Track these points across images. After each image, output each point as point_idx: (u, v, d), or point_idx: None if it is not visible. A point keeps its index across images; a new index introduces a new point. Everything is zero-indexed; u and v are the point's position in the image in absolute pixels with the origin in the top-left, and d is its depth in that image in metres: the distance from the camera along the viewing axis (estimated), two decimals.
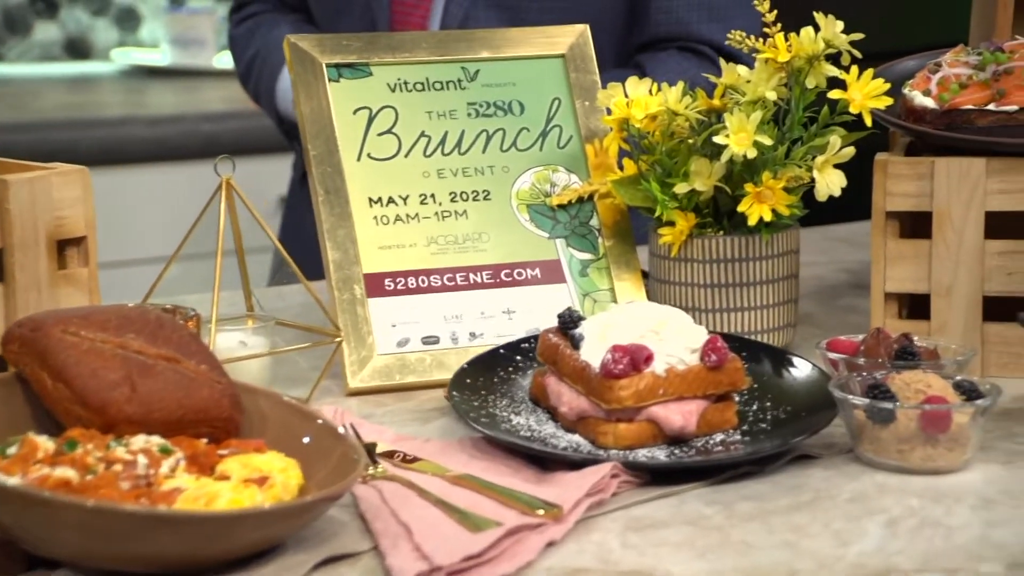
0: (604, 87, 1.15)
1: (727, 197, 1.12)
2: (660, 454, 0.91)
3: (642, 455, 0.90)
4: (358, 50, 1.15)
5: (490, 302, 1.13)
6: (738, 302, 1.13)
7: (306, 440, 0.79)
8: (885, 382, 0.89)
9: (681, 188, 1.12)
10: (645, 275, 1.19)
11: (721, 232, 1.13)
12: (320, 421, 0.80)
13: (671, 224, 1.13)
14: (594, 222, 1.19)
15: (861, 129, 1.09)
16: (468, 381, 0.99)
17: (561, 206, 1.18)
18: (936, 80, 1.05)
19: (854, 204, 1.26)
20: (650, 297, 1.18)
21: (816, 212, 1.15)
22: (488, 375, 1.00)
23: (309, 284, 0.99)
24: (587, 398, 0.93)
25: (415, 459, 0.88)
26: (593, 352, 0.93)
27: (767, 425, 0.94)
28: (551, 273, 1.16)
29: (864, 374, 0.92)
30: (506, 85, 1.20)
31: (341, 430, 0.79)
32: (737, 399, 0.98)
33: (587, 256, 1.17)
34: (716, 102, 1.15)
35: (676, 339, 0.93)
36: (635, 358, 0.91)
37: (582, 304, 1.15)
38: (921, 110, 1.06)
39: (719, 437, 0.93)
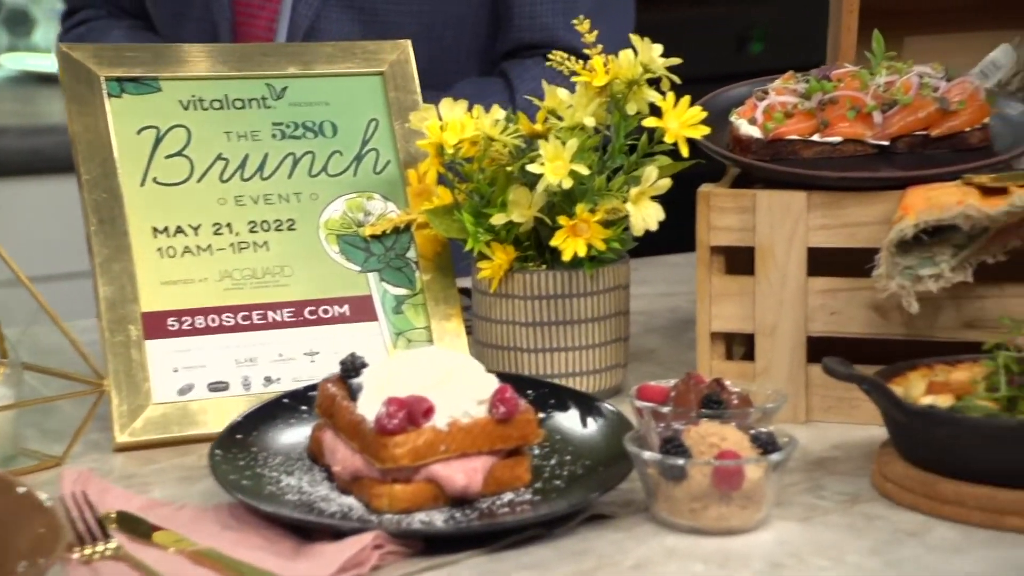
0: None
1: (548, 229, 1.04)
2: (438, 518, 0.82)
3: (419, 519, 0.82)
4: (144, 63, 1.05)
5: (290, 343, 1.03)
6: (563, 341, 1.05)
7: (1, 516, 0.69)
8: (680, 435, 0.81)
9: (498, 219, 1.04)
10: (465, 291, 1.11)
11: (544, 266, 1.05)
12: (21, 490, 0.70)
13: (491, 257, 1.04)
14: (411, 254, 1.10)
15: (689, 157, 1.02)
16: (239, 436, 0.89)
17: (375, 237, 1.09)
18: (762, 108, 0.98)
19: None
20: (473, 335, 1.10)
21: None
22: (264, 428, 0.91)
23: (63, 325, 0.89)
24: (362, 456, 0.84)
25: (157, 529, 0.79)
26: (371, 404, 0.84)
27: (562, 482, 0.86)
28: (361, 310, 1.07)
29: (664, 425, 0.85)
30: (317, 104, 1.11)
31: (48, 501, 0.70)
32: (537, 452, 0.90)
33: (402, 291, 1.09)
34: (538, 127, 1.06)
35: (462, 389, 0.85)
36: (413, 411, 0.83)
37: (395, 344, 1.07)
38: (747, 140, 0.98)
39: (508, 497, 0.84)
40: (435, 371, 0.85)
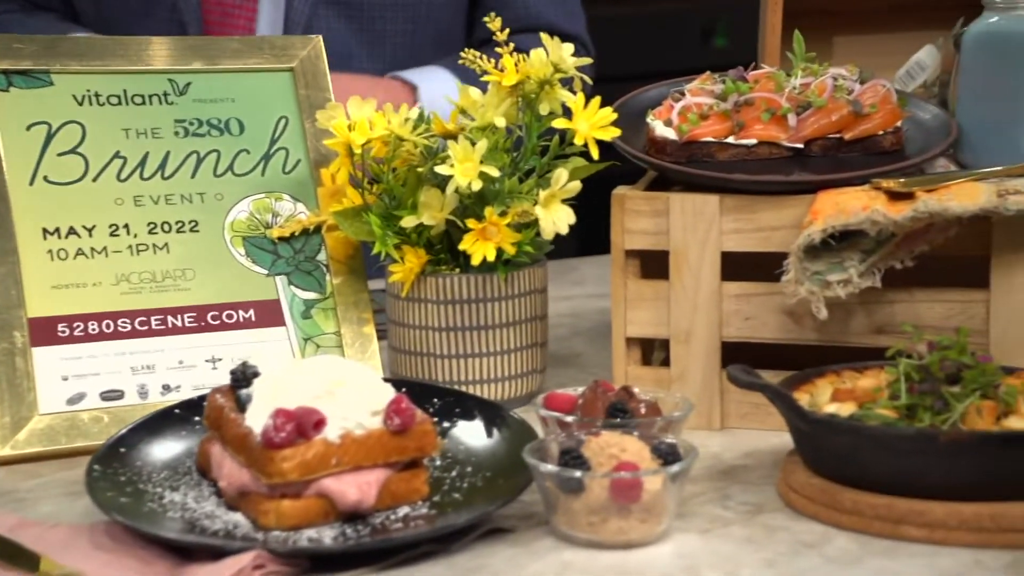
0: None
1: (460, 232, 1.01)
2: (328, 535, 0.78)
3: (307, 536, 0.78)
4: (34, 55, 1.01)
5: (191, 349, 0.99)
6: (477, 347, 1.01)
7: None
8: (581, 447, 0.78)
9: (409, 222, 1.00)
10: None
11: (456, 270, 1.01)
12: None
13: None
14: (322, 257, 1.06)
15: (605, 159, 0.99)
16: (122, 450, 0.85)
17: (283, 239, 1.05)
18: (678, 109, 0.94)
19: None
20: (386, 340, 1.06)
21: None
22: (151, 441, 0.87)
23: None
24: (249, 470, 0.80)
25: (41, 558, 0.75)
26: (259, 416, 0.80)
27: (460, 495, 0.83)
28: (268, 315, 1.03)
29: (566, 435, 0.81)
30: (223, 101, 1.07)
31: None
32: (438, 464, 0.87)
33: (312, 295, 1.05)
34: (451, 127, 1.03)
35: (355, 400, 0.81)
36: (302, 424, 0.79)
37: (303, 350, 1.03)
38: (662, 141, 0.95)
39: (403, 511, 0.81)
40: (328, 381, 0.82)
